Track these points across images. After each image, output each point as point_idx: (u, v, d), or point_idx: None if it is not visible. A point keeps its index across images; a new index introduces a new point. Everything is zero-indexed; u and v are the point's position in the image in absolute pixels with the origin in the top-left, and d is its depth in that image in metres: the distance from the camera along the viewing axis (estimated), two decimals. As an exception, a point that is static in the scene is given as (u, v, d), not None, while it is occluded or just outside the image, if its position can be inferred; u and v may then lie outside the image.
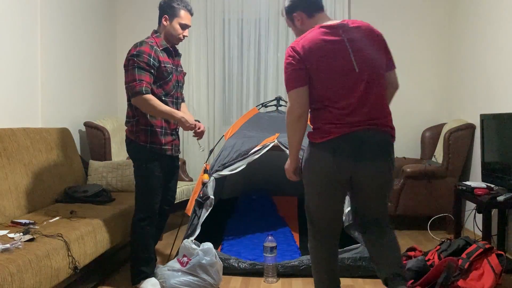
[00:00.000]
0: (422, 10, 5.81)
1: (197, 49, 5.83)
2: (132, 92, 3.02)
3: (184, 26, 3.22)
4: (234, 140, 4.26)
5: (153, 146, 3.17)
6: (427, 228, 4.96)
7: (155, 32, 3.26)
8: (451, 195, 4.65)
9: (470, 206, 4.73)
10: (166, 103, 3.17)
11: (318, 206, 2.64)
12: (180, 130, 4.37)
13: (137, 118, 3.17)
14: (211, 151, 4.50)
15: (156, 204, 3.25)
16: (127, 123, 3.24)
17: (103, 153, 4.72)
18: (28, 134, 3.71)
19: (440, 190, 4.92)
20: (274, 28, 5.89)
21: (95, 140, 4.79)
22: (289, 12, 2.72)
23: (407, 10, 5.81)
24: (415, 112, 5.82)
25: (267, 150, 3.93)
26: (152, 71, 3.08)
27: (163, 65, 3.15)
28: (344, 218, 3.61)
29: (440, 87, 5.84)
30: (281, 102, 4.81)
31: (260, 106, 4.89)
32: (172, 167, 3.42)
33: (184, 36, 3.26)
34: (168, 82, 3.20)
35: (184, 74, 3.46)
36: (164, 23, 3.21)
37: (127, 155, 5.04)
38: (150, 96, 3.03)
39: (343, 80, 2.47)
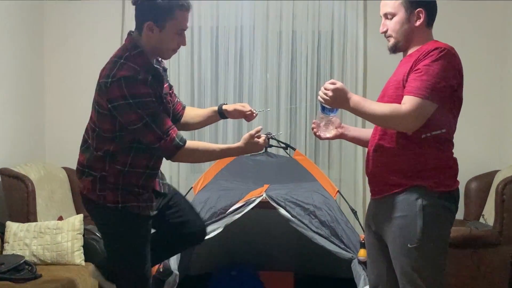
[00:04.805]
0: (468, 29, 6.12)
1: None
2: (166, 152, 3.16)
3: (181, 32, 3.19)
4: (207, 193, 4.43)
5: (128, 205, 3.26)
6: (473, 314, 5.02)
7: (133, 46, 3.16)
8: (506, 269, 4.77)
9: (532, 284, 4.84)
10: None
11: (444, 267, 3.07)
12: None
13: (103, 173, 3.22)
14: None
15: (147, 277, 3.38)
16: (82, 174, 3.30)
17: (26, 211, 4.77)
18: None
19: (492, 263, 4.98)
20: (262, 39, 6.10)
21: (15, 193, 4.84)
22: (416, 5, 2.98)
23: (453, 25, 5.96)
24: (457, 156, 5.96)
25: (252, 208, 4.09)
26: (162, 107, 3.20)
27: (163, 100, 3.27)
28: None
29: (491, 125, 6.12)
30: (272, 142, 4.92)
31: (243, 146, 5.00)
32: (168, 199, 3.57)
33: (180, 45, 3.26)
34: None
35: (171, 87, 3.57)
36: (149, 32, 3.12)
37: (59, 215, 5.13)
38: (192, 144, 3.23)
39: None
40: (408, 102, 2.79)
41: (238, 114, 3.60)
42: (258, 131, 3.29)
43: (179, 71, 6.12)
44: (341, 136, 3.32)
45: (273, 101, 6.15)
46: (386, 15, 3.04)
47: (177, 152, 3.15)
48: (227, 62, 6.15)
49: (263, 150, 3.27)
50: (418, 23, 2.99)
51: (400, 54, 3.13)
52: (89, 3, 6.20)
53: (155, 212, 3.40)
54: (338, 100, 2.90)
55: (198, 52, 6.17)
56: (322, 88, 2.93)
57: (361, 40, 6.08)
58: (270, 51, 6.13)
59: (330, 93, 2.88)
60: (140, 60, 3.12)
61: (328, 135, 3.23)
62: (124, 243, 3.33)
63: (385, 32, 3.06)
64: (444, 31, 6.22)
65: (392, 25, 3.01)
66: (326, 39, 6.15)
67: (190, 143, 3.20)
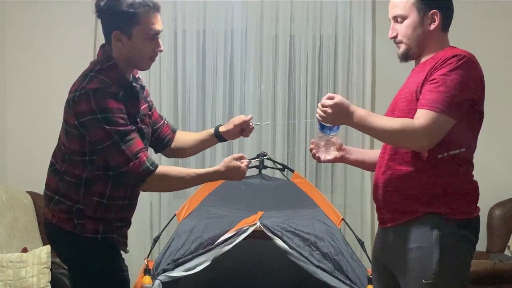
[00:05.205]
0: (490, 34, 6.14)
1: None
2: (135, 178, 3.14)
3: (154, 36, 3.17)
4: (193, 222, 4.42)
5: (108, 236, 3.26)
6: None
7: (105, 59, 3.21)
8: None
9: None
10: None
11: None
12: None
13: (78, 205, 3.18)
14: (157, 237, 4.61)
15: None
16: (50, 201, 3.26)
17: (-16, 243, 4.80)
18: None
19: (519, 302, 5.01)
20: (255, 44, 6.10)
21: (-29, 222, 4.87)
22: (430, 6, 2.91)
23: (472, 29, 6.00)
24: (478, 179, 5.95)
25: (245, 238, 4.08)
26: (134, 127, 3.16)
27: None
28: None
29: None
30: (267, 162, 4.97)
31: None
32: None
33: (157, 52, 3.25)
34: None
35: (151, 108, 3.53)
36: (118, 43, 3.15)
37: (24, 246, 5.11)
38: (163, 169, 3.19)
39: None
40: (422, 116, 2.74)
41: (236, 130, 3.55)
42: (241, 157, 3.28)
43: (160, 81, 6.10)
44: (341, 159, 3.30)
45: (268, 116, 6.12)
46: (395, 18, 2.98)
47: (146, 178, 3.13)
48: (215, 71, 6.13)
49: (243, 179, 3.26)
50: (432, 26, 2.93)
51: (412, 62, 3.09)
52: (58, 3, 6.17)
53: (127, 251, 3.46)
54: (339, 117, 2.87)
55: (183, 59, 6.13)
56: (319, 105, 2.89)
57: (369, 46, 6.09)
58: (265, 59, 6.12)
59: (329, 110, 2.83)
60: (112, 74, 3.15)
61: (328, 157, 3.20)
62: (103, 280, 3.26)
63: (395, 37, 3.01)
64: (462, 36, 6.23)
65: (403, 30, 2.95)
66: (328, 44, 6.16)
67: (161, 168, 3.17)
